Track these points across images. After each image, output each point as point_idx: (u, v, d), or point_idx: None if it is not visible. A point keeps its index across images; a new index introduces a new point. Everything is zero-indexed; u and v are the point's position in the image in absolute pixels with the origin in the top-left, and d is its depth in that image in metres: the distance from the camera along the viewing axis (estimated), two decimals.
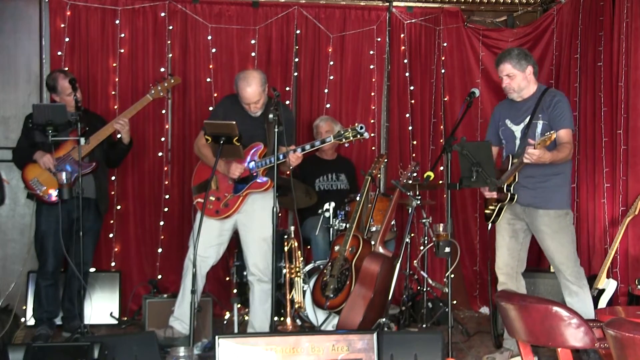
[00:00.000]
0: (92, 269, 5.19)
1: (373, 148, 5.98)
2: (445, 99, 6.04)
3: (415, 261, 5.25)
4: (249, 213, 4.41)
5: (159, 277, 5.54)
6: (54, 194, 4.56)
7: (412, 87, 6.01)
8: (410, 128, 6.01)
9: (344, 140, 4.21)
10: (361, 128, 4.15)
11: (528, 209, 4.11)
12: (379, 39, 5.97)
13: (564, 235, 4.07)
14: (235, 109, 4.41)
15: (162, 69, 5.57)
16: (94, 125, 4.67)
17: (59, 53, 5.45)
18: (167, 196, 5.64)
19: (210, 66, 5.71)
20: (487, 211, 4.25)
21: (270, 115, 4.05)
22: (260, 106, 4.39)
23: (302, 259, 4.79)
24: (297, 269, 4.72)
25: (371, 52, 5.96)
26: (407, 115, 6.01)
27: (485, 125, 5.14)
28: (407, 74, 6.00)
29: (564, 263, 4.06)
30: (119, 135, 4.84)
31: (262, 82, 4.35)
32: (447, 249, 4.03)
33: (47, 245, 4.67)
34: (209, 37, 5.70)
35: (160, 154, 5.65)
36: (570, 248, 4.10)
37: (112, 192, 5.50)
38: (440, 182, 5.46)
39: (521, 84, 4.10)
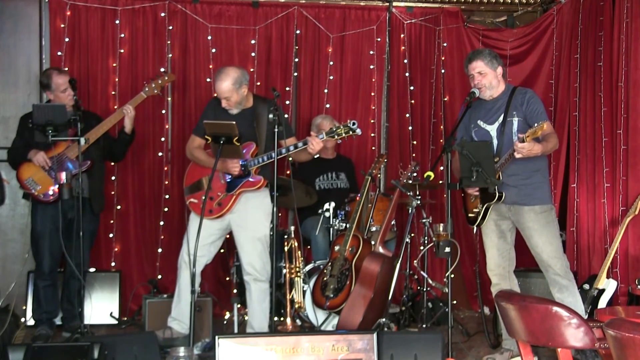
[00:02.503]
0: (92, 269, 5.21)
1: (373, 148, 5.98)
2: (445, 99, 6.04)
3: (415, 261, 5.25)
4: (243, 213, 4.40)
5: (159, 277, 5.54)
6: (49, 193, 4.57)
7: (412, 87, 6.01)
8: (410, 128, 6.01)
9: (336, 137, 4.20)
10: (353, 124, 4.15)
11: (513, 207, 4.12)
12: (379, 39, 5.97)
13: (550, 229, 4.09)
14: (224, 109, 4.41)
15: (162, 69, 5.57)
16: (90, 124, 4.65)
17: (59, 53, 5.45)
18: (167, 196, 5.64)
19: (210, 66, 5.71)
20: (470, 215, 4.25)
21: (270, 116, 4.06)
22: (232, 104, 4.35)
23: (302, 259, 4.79)
24: (297, 269, 4.73)
25: (371, 52, 5.96)
26: (407, 115, 6.01)
27: None
28: (407, 74, 6.00)
29: (554, 257, 4.08)
30: (116, 132, 4.86)
31: (236, 80, 4.29)
32: (447, 249, 4.03)
33: (43, 245, 4.67)
34: (209, 37, 5.70)
35: (160, 154, 5.65)
36: (558, 242, 4.12)
37: (112, 192, 5.51)
38: (440, 182, 5.46)
39: (492, 81, 4.13)
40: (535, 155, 3.90)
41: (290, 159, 4.63)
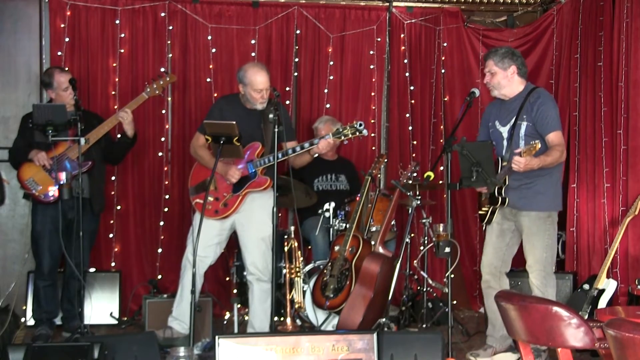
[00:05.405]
0: (92, 269, 5.21)
1: (373, 148, 5.97)
2: (445, 99, 6.04)
3: (415, 261, 5.25)
4: (247, 212, 4.41)
5: (159, 277, 5.54)
6: (50, 193, 4.56)
7: (412, 87, 6.01)
8: (410, 128, 6.00)
9: (342, 137, 4.22)
10: (360, 125, 4.16)
11: (514, 211, 4.15)
12: (379, 39, 5.96)
13: (539, 237, 4.10)
14: (231, 109, 4.42)
15: (162, 69, 5.56)
16: (90, 123, 4.65)
17: (59, 53, 5.45)
18: (167, 196, 5.64)
19: (210, 66, 5.71)
20: (481, 212, 4.29)
21: (270, 115, 4.06)
22: (266, 97, 4.39)
23: (302, 259, 4.79)
24: (297, 269, 4.72)
25: (371, 52, 5.95)
26: (407, 115, 6.01)
27: None
28: (407, 74, 6.00)
29: (532, 265, 4.13)
30: (118, 136, 4.85)
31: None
32: (447, 249, 4.04)
33: (43, 245, 4.67)
34: (209, 37, 5.70)
35: (160, 154, 5.64)
36: (542, 251, 4.11)
37: (112, 192, 5.50)
38: (440, 182, 5.46)
39: (501, 82, 4.12)
40: (532, 169, 3.90)
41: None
